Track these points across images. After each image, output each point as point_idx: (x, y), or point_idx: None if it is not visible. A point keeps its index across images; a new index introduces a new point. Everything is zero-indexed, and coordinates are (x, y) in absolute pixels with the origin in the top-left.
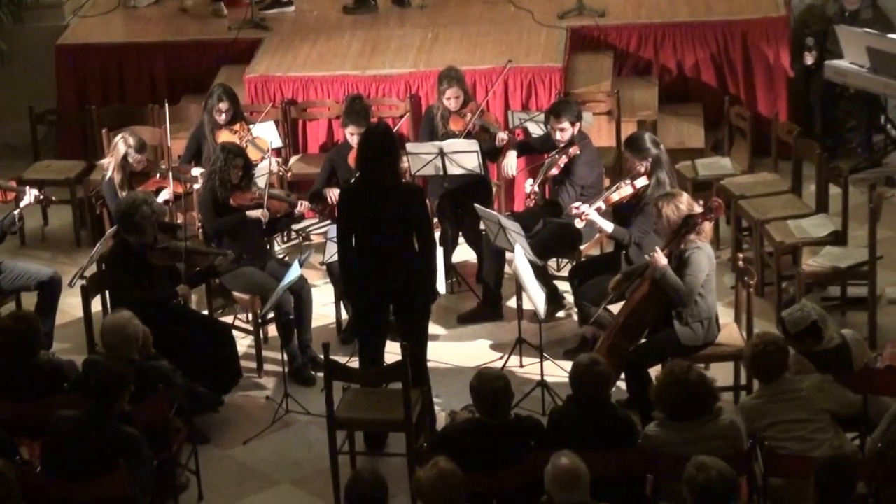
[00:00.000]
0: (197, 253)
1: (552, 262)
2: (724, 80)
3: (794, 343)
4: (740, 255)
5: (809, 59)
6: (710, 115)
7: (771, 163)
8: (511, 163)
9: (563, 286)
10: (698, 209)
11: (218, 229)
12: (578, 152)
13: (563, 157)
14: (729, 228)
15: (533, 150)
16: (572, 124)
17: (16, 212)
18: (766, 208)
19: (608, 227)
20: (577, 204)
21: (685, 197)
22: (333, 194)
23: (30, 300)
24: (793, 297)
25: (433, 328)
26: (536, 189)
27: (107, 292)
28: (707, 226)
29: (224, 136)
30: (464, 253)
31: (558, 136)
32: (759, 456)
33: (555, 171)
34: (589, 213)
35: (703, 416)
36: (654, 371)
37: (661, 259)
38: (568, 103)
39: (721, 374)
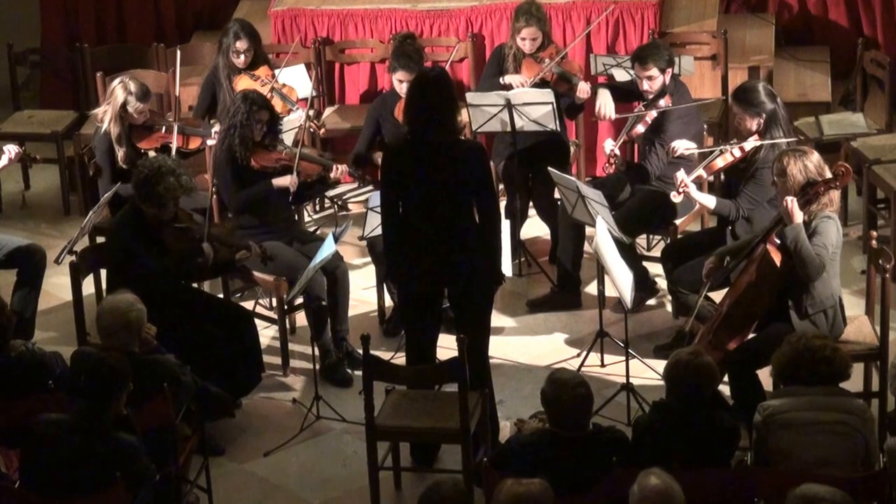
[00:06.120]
0: (219, 242)
1: (642, 240)
2: (857, 19)
3: None
4: (874, 234)
5: None
6: (838, 61)
7: None
8: (608, 102)
9: (655, 269)
10: (828, 174)
11: (242, 205)
12: (670, 105)
13: (652, 110)
14: (860, 200)
15: (626, 93)
16: (662, 72)
17: None
18: None
19: (710, 201)
20: (681, 174)
21: (815, 157)
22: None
23: (7, 279)
24: None
25: (497, 318)
26: (617, 152)
27: (102, 271)
28: (834, 195)
29: (243, 83)
30: (535, 227)
31: (645, 86)
32: None
33: (641, 128)
34: (688, 184)
35: (835, 382)
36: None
37: (797, 212)
38: (655, 47)
39: None
